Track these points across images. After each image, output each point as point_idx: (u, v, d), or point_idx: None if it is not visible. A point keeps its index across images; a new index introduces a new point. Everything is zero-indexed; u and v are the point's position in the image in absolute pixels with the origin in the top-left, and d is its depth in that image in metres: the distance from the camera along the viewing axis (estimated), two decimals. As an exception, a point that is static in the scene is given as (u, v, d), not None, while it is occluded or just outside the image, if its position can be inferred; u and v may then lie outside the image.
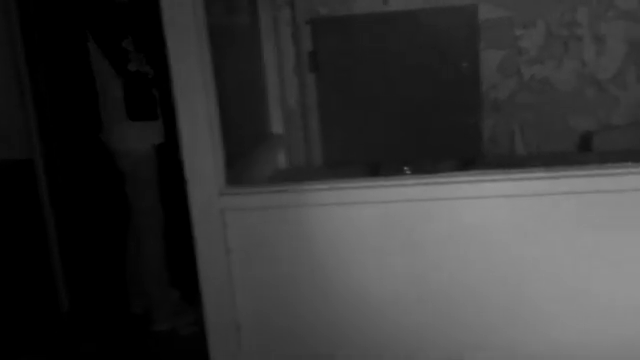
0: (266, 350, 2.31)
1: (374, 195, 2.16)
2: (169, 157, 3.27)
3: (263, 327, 2.29)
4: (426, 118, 3.71)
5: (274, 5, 3.65)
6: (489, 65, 3.71)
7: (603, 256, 2.09)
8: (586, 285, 2.11)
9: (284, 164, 3.61)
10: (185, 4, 2.03)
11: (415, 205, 2.14)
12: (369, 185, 2.17)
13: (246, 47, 3.33)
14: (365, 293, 2.21)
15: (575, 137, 3.78)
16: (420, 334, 2.21)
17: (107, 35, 3.36)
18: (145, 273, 3.69)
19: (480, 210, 2.11)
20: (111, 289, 4.12)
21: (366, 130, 3.76)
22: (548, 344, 2.16)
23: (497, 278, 2.14)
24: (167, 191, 3.54)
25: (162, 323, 3.70)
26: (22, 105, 3.83)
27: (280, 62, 3.69)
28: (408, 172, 2.79)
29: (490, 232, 2.12)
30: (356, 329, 2.24)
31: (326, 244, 2.20)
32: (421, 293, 2.18)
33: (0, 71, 3.81)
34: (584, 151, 3.72)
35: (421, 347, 2.21)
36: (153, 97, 3.45)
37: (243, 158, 2.79)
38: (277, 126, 3.59)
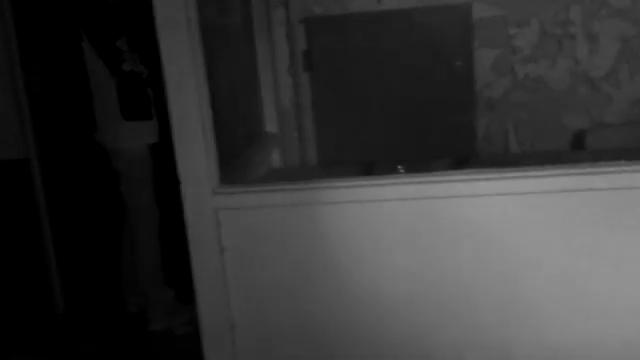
0: (260, 349, 2.31)
1: (368, 194, 2.15)
2: (164, 156, 3.27)
3: (257, 326, 2.28)
4: (420, 117, 3.72)
5: (268, 4, 3.65)
6: (483, 64, 3.71)
7: (599, 254, 2.09)
8: (583, 284, 2.11)
9: (278, 163, 3.60)
10: (177, 3, 2.03)
11: (411, 204, 2.14)
12: (363, 184, 2.17)
13: (240, 46, 3.33)
14: (359, 291, 2.21)
15: (568, 135, 3.79)
16: (416, 332, 2.21)
17: (101, 35, 3.36)
18: (140, 273, 3.69)
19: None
20: (106, 289, 4.12)
21: (360, 129, 3.77)
22: (545, 343, 2.17)
23: (495, 276, 2.14)
24: (162, 190, 3.54)
25: (157, 323, 3.71)
26: (17, 105, 3.83)
27: (274, 61, 3.69)
28: (402, 171, 2.79)
29: (493, 230, 2.12)
30: (351, 328, 2.24)
31: (320, 243, 2.19)
32: (416, 291, 2.18)
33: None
34: (577, 149, 3.73)
35: (418, 345, 2.22)
36: (147, 97, 3.45)
37: (237, 157, 2.79)
38: (271, 125, 3.59)
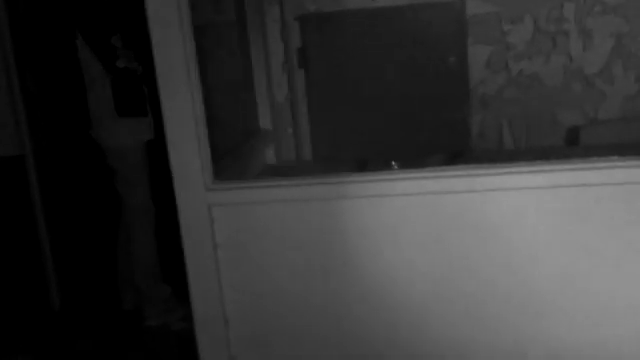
0: (254, 344, 2.31)
1: (362, 190, 2.15)
2: (159, 153, 3.28)
3: (251, 322, 2.29)
4: (415, 114, 3.72)
5: (262, 1, 3.65)
6: (477, 60, 3.72)
7: (599, 251, 2.09)
8: (585, 281, 2.12)
9: (272, 160, 3.61)
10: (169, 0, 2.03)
11: (400, 199, 2.14)
12: (358, 180, 2.16)
13: (234, 43, 3.33)
14: (354, 286, 2.21)
15: (563, 132, 3.80)
16: (420, 327, 2.21)
17: (95, 32, 3.36)
18: (136, 269, 3.69)
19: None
20: (102, 286, 4.12)
21: (355, 126, 3.77)
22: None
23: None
24: (158, 187, 3.54)
25: (154, 319, 3.71)
26: (12, 102, 3.83)
27: (269, 58, 3.70)
28: (396, 167, 2.80)
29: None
30: (344, 322, 2.24)
31: (315, 238, 2.19)
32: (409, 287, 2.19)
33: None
34: (572, 146, 3.74)
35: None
36: (142, 93, 3.45)
37: (231, 154, 2.79)
38: (266, 122, 3.59)
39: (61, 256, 4.11)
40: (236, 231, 2.22)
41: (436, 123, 3.71)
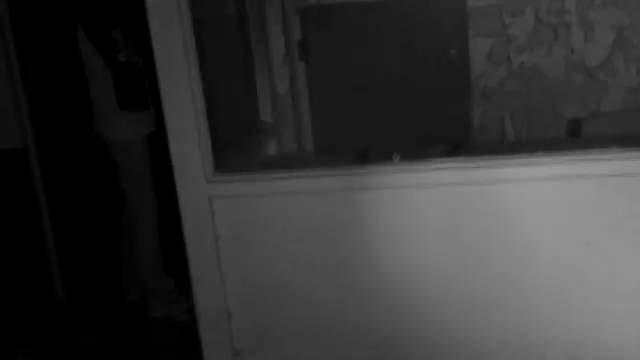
0: (257, 337, 2.32)
1: (364, 182, 2.16)
2: (161, 146, 3.29)
3: (254, 314, 2.29)
4: (416, 106, 3.72)
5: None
6: (478, 53, 3.72)
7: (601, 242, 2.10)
8: (587, 273, 2.12)
9: (274, 152, 3.61)
10: (169, -8, 2.03)
11: (403, 192, 2.14)
12: (359, 172, 2.17)
13: (235, 36, 3.33)
14: (357, 279, 2.22)
15: (564, 124, 3.80)
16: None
17: (96, 25, 3.36)
18: (139, 262, 3.70)
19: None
20: (106, 277, 4.13)
21: (356, 118, 3.77)
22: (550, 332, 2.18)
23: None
24: (160, 180, 3.55)
25: (158, 310, 3.72)
26: (14, 95, 3.83)
27: (270, 51, 3.70)
28: (397, 160, 2.80)
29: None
30: (345, 314, 2.25)
31: (315, 231, 2.20)
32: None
33: (-9, 62, 3.83)
34: (573, 137, 3.74)
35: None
36: (144, 87, 3.45)
37: (232, 147, 2.79)
38: (267, 114, 3.60)
39: (65, 248, 4.12)
40: (237, 223, 2.22)
41: (437, 115, 3.71)
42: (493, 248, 2.13)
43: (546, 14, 3.65)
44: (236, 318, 2.29)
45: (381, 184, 2.15)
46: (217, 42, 2.81)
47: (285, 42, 3.80)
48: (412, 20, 3.68)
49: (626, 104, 3.74)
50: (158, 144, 3.46)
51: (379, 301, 2.22)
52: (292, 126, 3.87)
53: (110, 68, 3.37)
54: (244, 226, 2.23)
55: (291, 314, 2.28)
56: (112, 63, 3.36)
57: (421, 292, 2.20)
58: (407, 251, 2.17)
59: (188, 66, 2.06)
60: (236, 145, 2.89)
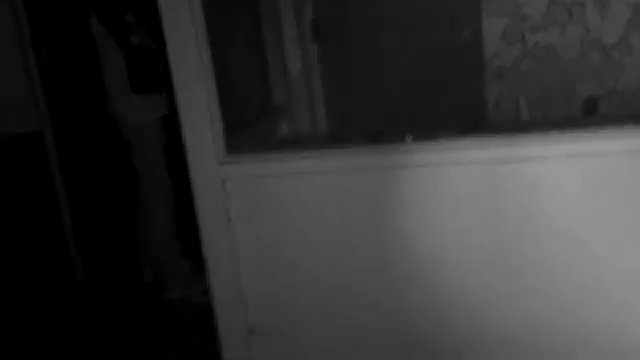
0: (273, 316, 2.32)
1: (379, 161, 2.15)
2: (174, 128, 3.30)
3: (268, 295, 2.30)
4: (430, 86, 3.70)
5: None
6: (492, 33, 3.69)
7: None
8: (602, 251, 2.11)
9: (286, 134, 3.61)
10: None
11: (419, 171, 2.13)
12: (374, 151, 2.17)
13: (247, 17, 3.32)
14: (377, 259, 2.20)
15: (580, 103, 3.77)
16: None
17: (109, 9, 3.36)
18: (155, 243, 3.73)
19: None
20: (124, 258, 4.17)
21: (369, 98, 3.76)
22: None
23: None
24: (174, 162, 3.56)
25: (174, 291, 3.75)
26: (29, 79, 3.86)
27: (282, 32, 3.68)
28: (410, 141, 2.79)
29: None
30: (361, 295, 2.25)
31: (329, 211, 2.19)
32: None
33: (6, 46, 3.84)
34: (589, 115, 3.71)
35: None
36: (156, 70, 3.46)
37: (245, 128, 2.79)
38: (280, 95, 3.59)
39: (83, 230, 4.16)
40: (250, 204, 2.22)
41: (451, 95, 3.69)
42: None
43: (561, -8, 3.62)
44: (251, 298, 2.29)
45: (396, 163, 2.13)
46: (228, 23, 2.80)
47: (297, 23, 3.78)
48: (425, 0, 3.65)
49: (643, 82, 3.71)
50: (171, 127, 3.48)
51: (396, 281, 2.22)
52: (305, 108, 3.86)
53: (123, 51, 3.38)
54: (257, 207, 2.23)
55: (305, 294, 2.28)
56: (125, 46, 3.37)
57: (439, 272, 2.19)
58: (418, 231, 2.16)
59: (198, 48, 2.06)
60: (248, 127, 2.89)
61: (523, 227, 2.10)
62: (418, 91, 3.71)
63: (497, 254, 2.13)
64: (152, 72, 3.45)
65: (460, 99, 3.70)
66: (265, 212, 2.23)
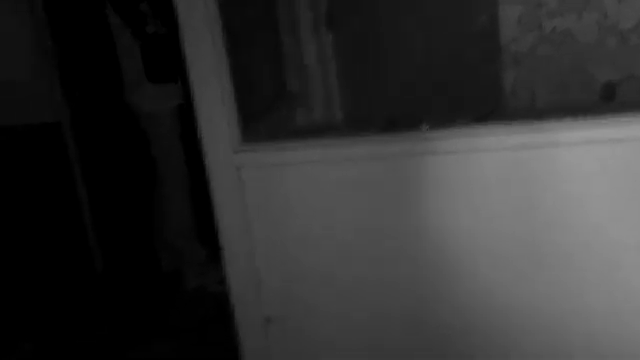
0: (289, 304, 2.34)
1: (396, 148, 2.16)
2: (190, 118, 3.31)
3: (285, 284, 2.31)
4: (445, 73, 3.68)
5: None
6: (508, 18, 3.66)
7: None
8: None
9: (302, 122, 3.61)
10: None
11: (441, 158, 2.13)
12: (392, 139, 2.18)
13: (261, 5, 3.32)
14: (397, 248, 2.21)
15: (597, 88, 3.73)
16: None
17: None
18: (172, 230, 3.75)
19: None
20: (142, 248, 4.19)
21: (384, 86, 3.74)
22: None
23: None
24: (191, 151, 3.57)
25: (191, 280, 3.77)
26: (46, 70, 3.88)
27: (297, 20, 3.67)
28: (426, 129, 2.78)
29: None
30: (378, 284, 2.26)
31: (346, 200, 2.20)
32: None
33: (23, 39, 3.87)
34: (607, 101, 3.68)
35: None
36: (171, 60, 3.47)
37: (259, 117, 2.79)
38: (294, 84, 3.59)
39: (102, 220, 4.19)
40: (266, 192, 2.23)
41: (467, 82, 3.67)
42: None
43: (577, -23, 3.58)
44: (267, 287, 2.30)
45: (414, 151, 2.14)
46: (242, 11, 2.80)
47: (312, 10, 3.77)
48: (440, -15, 3.63)
49: (661, 67, 3.66)
50: (187, 116, 3.49)
51: (415, 269, 2.22)
52: (320, 96, 3.86)
53: (138, 41, 3.39)
54: (273, 195, 2.24)
55: (322, 282, 2.29)
56: (140, 36, 3.38)
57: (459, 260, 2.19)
58: (437, 217, 2.16)
59: (213, 36, 2.06)
60: (263, 115, 2.89)
61: (533, 215, 2.11)
62: (434, 78, 3.69)
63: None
64: (167, 61, 3.46)
65: (476, 85, 3.67)
66: (281, 200, 2.24)
